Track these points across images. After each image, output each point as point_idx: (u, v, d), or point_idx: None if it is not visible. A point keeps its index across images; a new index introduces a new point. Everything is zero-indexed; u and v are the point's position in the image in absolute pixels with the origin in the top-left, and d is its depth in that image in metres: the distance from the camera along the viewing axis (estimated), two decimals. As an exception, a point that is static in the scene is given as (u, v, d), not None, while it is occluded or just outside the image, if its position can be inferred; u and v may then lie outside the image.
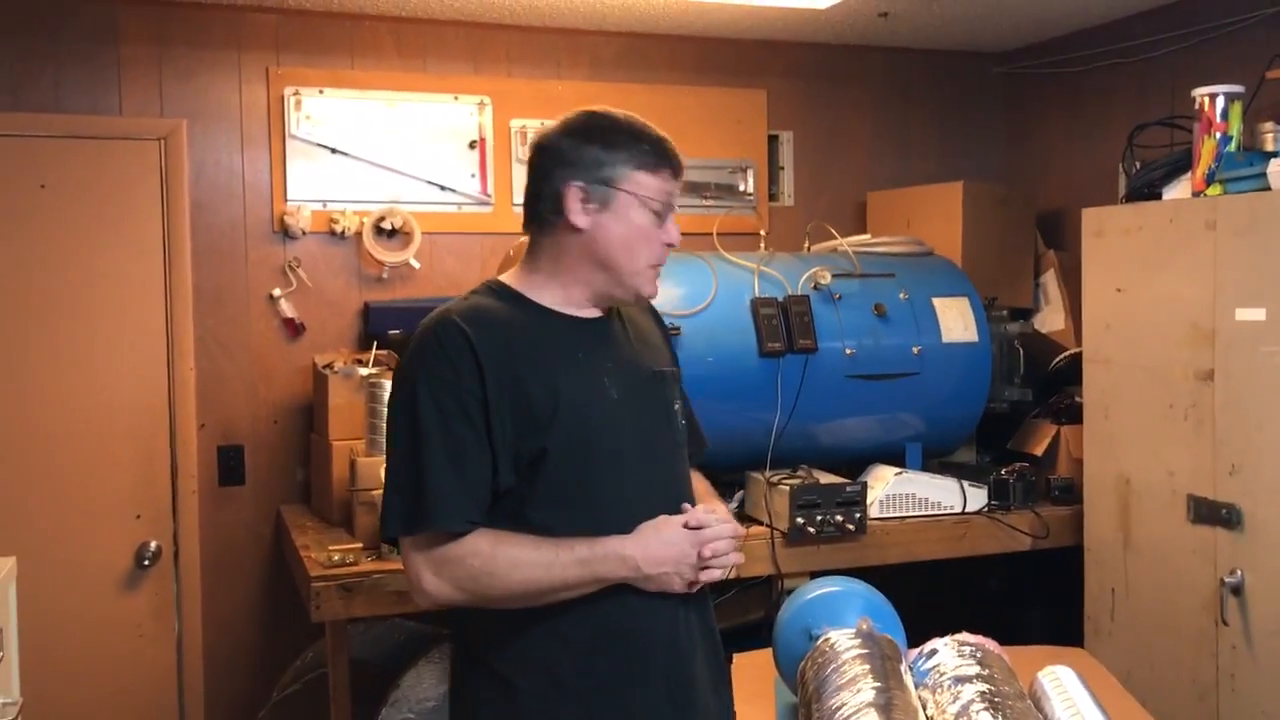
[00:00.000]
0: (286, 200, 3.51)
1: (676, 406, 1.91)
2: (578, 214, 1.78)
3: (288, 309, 3.51)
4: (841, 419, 3.27)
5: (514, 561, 1.70)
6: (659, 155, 1.80)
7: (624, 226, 1.79)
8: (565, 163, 1.79)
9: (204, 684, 3.44)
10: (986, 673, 1.79)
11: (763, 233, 3.73)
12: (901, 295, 3.35)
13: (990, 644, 1.96)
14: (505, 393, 1.72)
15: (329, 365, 3.30)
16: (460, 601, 1.74)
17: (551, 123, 1.85)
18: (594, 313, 1.86)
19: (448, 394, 1.71)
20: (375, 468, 2.92)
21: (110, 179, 3.32)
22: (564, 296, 1.84)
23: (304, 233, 3.51)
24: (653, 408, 1.87)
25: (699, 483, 2.02)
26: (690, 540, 1.75)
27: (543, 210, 1.81)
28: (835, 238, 3.53)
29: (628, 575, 1.73)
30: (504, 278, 1.88)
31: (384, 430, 3.04)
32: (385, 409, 3.03)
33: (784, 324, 3.13)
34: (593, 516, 1.76)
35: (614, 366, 1.83)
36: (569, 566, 1.70)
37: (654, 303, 2.03)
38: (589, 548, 1.72)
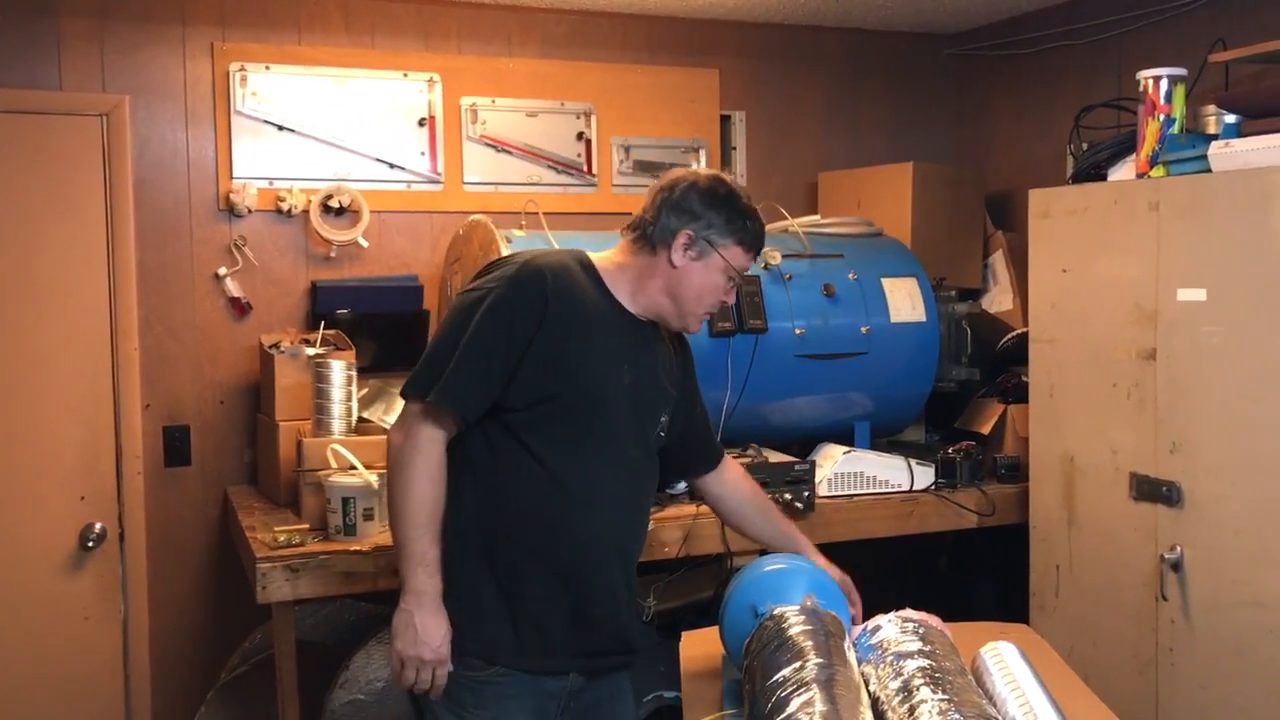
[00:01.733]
0: (232, 178, 3.46)
1: (662, 419, 2.22)
2: (678, 254, 2.12)
3: (234, 288, 3.47)
4: (791, 398, 3.29)
5: (419, 493, 2.03)
6: (755, 240, 2.16)
7: (704, 279, 2.14)
8: (691, 213, 2.12)
9: (150, 666, 3.41)
10: (929, 648, 1.80)
11: (714, 213, 3.72)
12: (851, 275, 3.37)
13: (933, 620, 1.98)
14: (551, 338, 2.04)
15: (276, 345, 3.27)
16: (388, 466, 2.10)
17: (692, 169, 2.22)
18: (643, 317, 2.19)
19: (508, 318, 2.03)
20: (322, 448, 2.90)
21: (51, 155, 3.25)
22: (630, 297, 2.17)
23: (250, 211, 3.46)
24: (648, 408, 2.19)
25: (760, 500, 2.49)
26: (424, 659, 2.04)
27: (654, 235, 2.13)
28: (786, 218, 3.53)
29: (406, 595, 2.06)
30: (595, 257, 2.19)
31: (331, 410, 3.03)
32: (332, 389, 3.03)
33: (735, 304, 3.13)
34: (570, 461, 2.07)
35: (636, 360, 2.16)
36: (413, 540, 2.04)
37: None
38: (428, 557, 2.04)
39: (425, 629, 2.03)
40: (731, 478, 2.47)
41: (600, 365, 2.09)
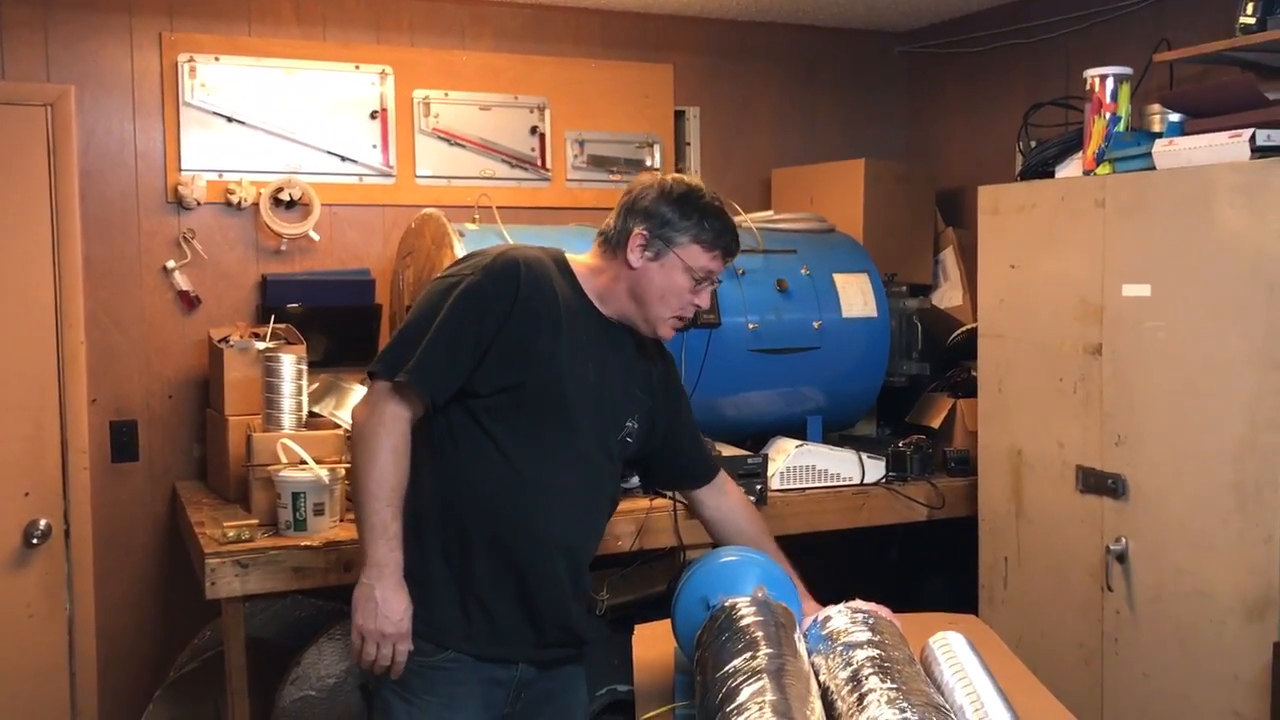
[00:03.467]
0: (181, 170, 3.42)
1: (628, 424, 2.23)
2: (635, 254, 2.13)
3: (182, 281, 3.43)
4: (744, 392, 3.31)
5: (380, 467, 2.04)
6: (716, 238, 2.14)
7: (664, 280, 2.13)
8: (645, 213, 2.13)
9: (97, 664, 3.36)
10: (878, 639, 1.82)
11: (668, 208, 3.73)
12: (803, 271, 3.39)
13: (883, 611, 1.99)
14: (520, 328, 2.06)
15: (225, 339, 3.24)
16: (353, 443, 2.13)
17: (655, 176, 2.21)
18: (616, 321, 2.20)
19: (480, 305, 2.05)
20: (272, 443, 2.87)
21: (-6, 145, 3.20)
22: (601, 300, 2.18)
23: (199, 203, 3.42)
24: (611, 409, 2.20)
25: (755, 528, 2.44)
26: (384, 634, 2.04)
27: (614, 238, 2.16)
28: (739, 214, 3.55)
29: (368, 568, 2.05)
30: (571, 257, 2.21)
31: (281, 405, 3.01)
32: (283, 383, 3.00)
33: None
34: (530, 451, 2.09)
35: (604, 362, 2.17)
36: (375, 513, 2.04)
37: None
38: (390, 530, 2.05)
39: (386, 602, 2.03)
40: (730, 504, 2.46)
41: (565, 359, 2.10)
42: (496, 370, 2.06)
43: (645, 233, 2.12)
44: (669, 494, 3.07)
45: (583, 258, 2.23)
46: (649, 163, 4.01)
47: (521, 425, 2.09)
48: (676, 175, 2.21)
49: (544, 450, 2.11)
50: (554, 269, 2.16)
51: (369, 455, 2.05)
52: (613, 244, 2.17)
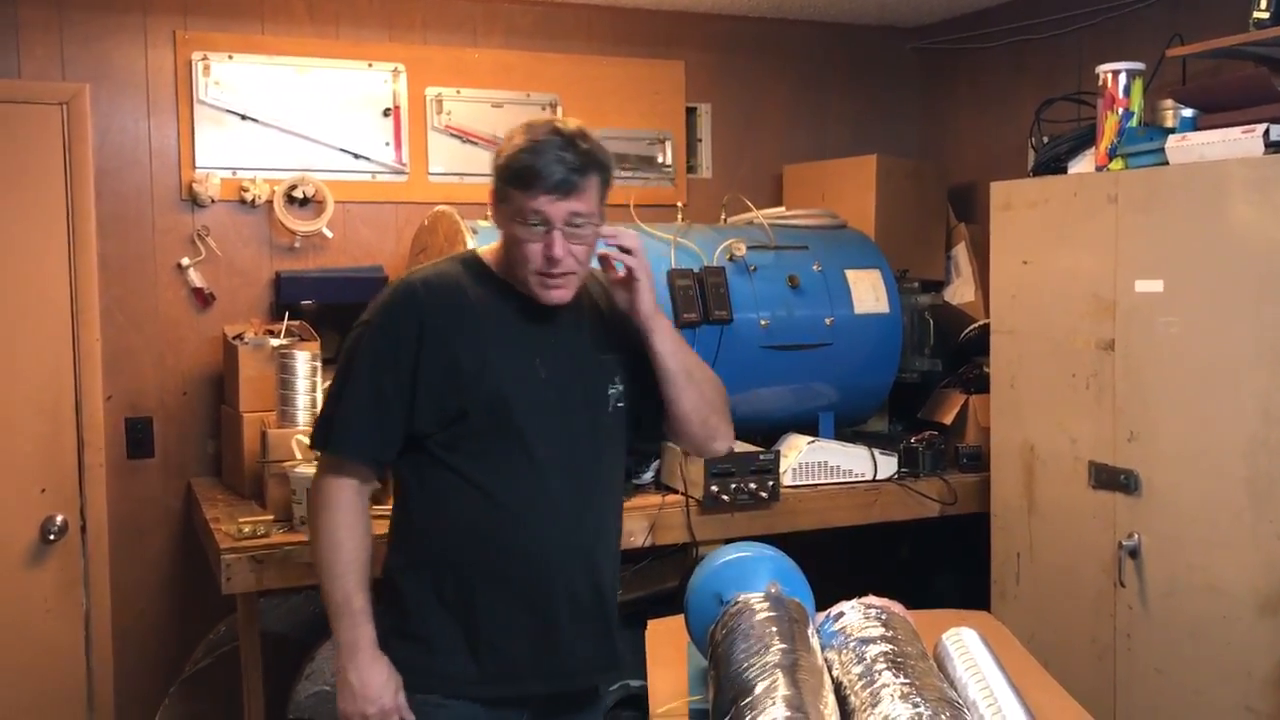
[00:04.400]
0: (195, 167, 3.44)
1: (610, 391, 2.06)
2: (494, 215, 1.99)
3: (197, 278, 3.44)
4: (756, 389, 3.31)
5: (333, 542, 1.96)
6: (530, 177, 1.90)
7: (510, 236, 1.97)
8: (493, 170, 1.98)
9: (113, 659, 3.38)
10: (891, 634, 1.83)
11: (680, 205, 3.74)
12: (815, 267, 3.39)
13: (896, 606, 2.00)
14: (440, 355, 1.94)
15: (239, 336, 3.25)
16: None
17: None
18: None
19: (388, 347, 1.96)
20: (286, 439, 2.89)
21: (10, 145, 3.21)
22: (517, 282, 2.00)
23: (213, 201, 3.44)
24: (582, 391, 2.04)
25: None
26: (367, 715, 1.94)
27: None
28: (752, 210, 3.56)
29: (340, 651, 1.97)
30: (482, 250, 2.07)
31: (295, 401, 3.03)
32: (297, 380, 3.02)
33: (700, 295, 3.16)
34: (500, 477, 1.98)
35: (550, 348, 2.01)
36: (335, 590, 1.95)
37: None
38: (352, 607, 1.95)
39: (364, 683, 1.94)
40: None
41: (503, 368, 1.97)
42: (433, 407, 1.95)
43: (492, 190, 1.99)
44: (680, 490, 3.08)
45: (495, 244, 2.06)
46: (660, 159, 4.01)
47: (483, 450, 1.97)
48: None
49: (514, 467, 1.98)
50: (463, 275, 2.02)
51: (316, 536, 1.99)
52: (496, 224, 2.03)
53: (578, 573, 2.02)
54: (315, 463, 2.09)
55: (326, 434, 1.99)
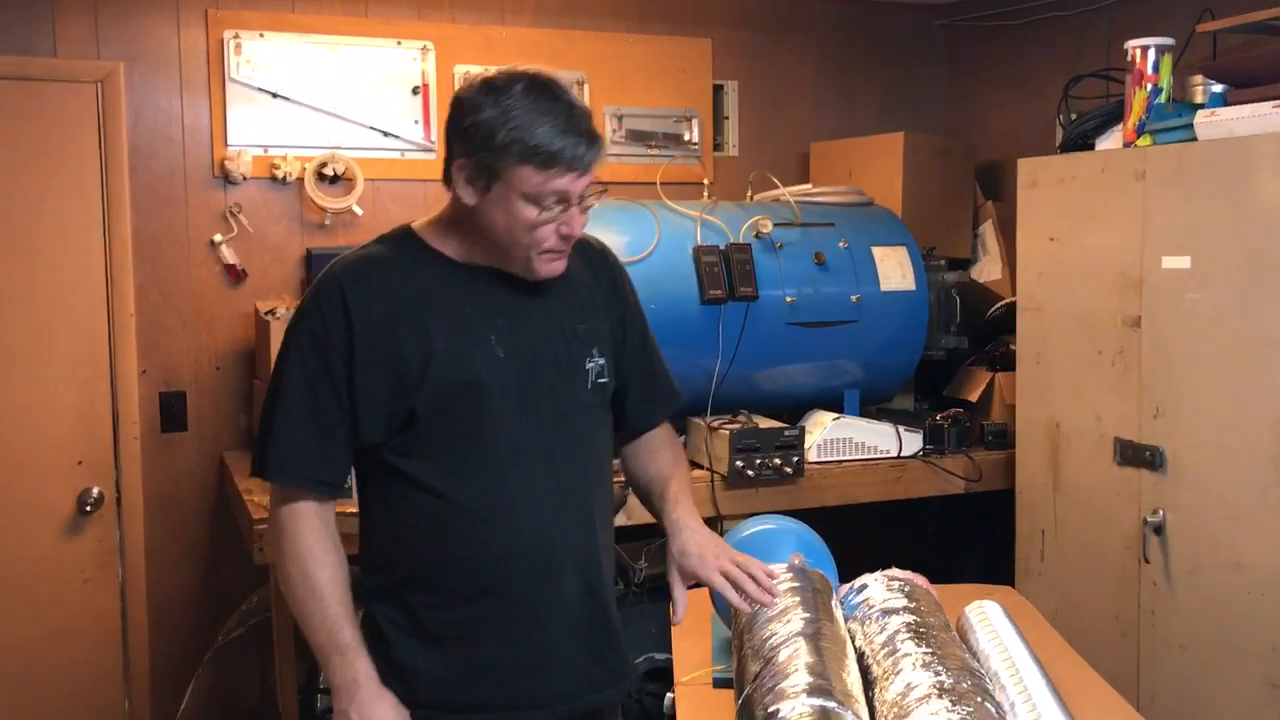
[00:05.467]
0: (227, 145, 3.48)
1: (589, 365, 1.83)
2: (464, 190, 1.70)
3: (229, 255, 3.49)
4: (781, 365, 3.33)
5: (302, 574, 1.71)
6: (549, 153, 1.65)
7: (505, 215, 1.69)
8: (461, 135, 1.69)
9: (148, 628, 3.45)
10: (913, 605, 1.85)
11: (706, 182, 3.75)
12: (841, 244, 3.40)
13: (919, 579, 2.02)
14: (376, 352, 1.70)
15: (271, 311, 3.29)
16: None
17: (478, 73, 1.75)
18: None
19: (314, 350, 1.71)
20: (319, 413, 2.92)
21: (46, 123, 3.26)
22: (466, 250, 1.77)
23: (245, 178, 3.48)
24: (553, 367, 1.79)
25: (667, 461, 2.00)
26: None
27: (445, 174, 1.74)
28: (778, 187, 3.56)
29: (337, 694, 1.70)
30: (417, 223, 1.82)
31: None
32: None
33: (725, 272, 3.17)
34: (459, 477, 1.74)
35: (509, 322, 1.77)
36: (317, 629, 1.70)
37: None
38: (338, 641, 1.69)
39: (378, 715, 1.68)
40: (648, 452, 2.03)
41: (452, 354, 1.71)
42: (379, 413, 1.71)
43: (466, 162, 1.68)
44: (705, 466, 3.10)
45: (434, 215, 1.81)
46: (687, 137, 4.02)
47: (436, 451, 1.73)
48: (495, 73, 1.72)
49: (474, 464, 1.73)
50: (395, 255, 1.76)
51: (282, 570, 1.74)
52: (447, 180, 1.73)
53: (564, 574, 1.78)
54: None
55: (263, 460, 1.73)
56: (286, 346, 1.74)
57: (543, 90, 1.69)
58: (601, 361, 1.85)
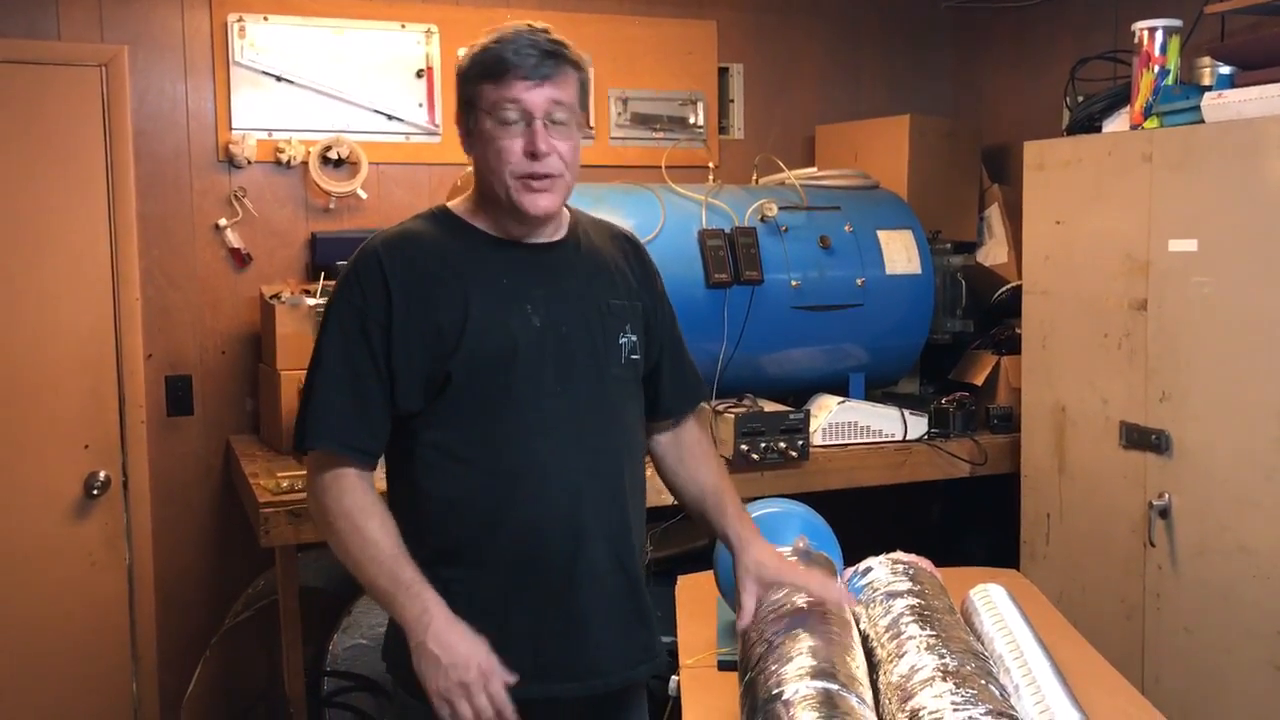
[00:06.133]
0: (231, 129, 3.47)
1: (622, 341, 1.87)
2: (464, 141, 1.81)
3: (234, 239, 3.49)
4: (787, 349, 3.32)
5: (352, 527, 1.72)
6: (501, 66, 1.72)
7: (481, 142, 1.77)
8: (457, 95, 1.82)
9: (155, 612, 3.46)
10: (918, 588, 1.85)
11: (712, 165, 3.74)
12: (847, 228, 3.39)
13: (923, 562, 2.02)
14: (413, 318, 1.75)
15: (276, 295, 3.30)
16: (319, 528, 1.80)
17: None
18: (539, 238, 1.85)
19: (353, 320, 1.76)
20: (324, 397, 2.92)
21: (50, 106, 3.26)
22: (498, 225, 1.83)
23: (249, 162, 3.48)
24: (587, 339, 1.83)
25: (712, 473, 2.03)
26: (466, 683, 1.65)
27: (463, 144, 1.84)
28: (783, 171, 3.55)
29: (410, 630, 1.68)
30: (452, 203, 1.89)
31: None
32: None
33: (731, 255, 3.17)
34: (495, 444, 1.76)
35: (545, 294, 1.81)
36: (377, 574, 1.70)
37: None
38: (407, 577, 1.69)
39: (447, 648, 1.65)
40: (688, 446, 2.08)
41: (488, 321, 1.76)
42: (416, 380, 1.75)
43: (460, 111, 1.81)
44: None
45: (467, 194, 1.89)
46: (692, 120, 4.01)
47: (469, 418, 1.76)
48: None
49: (507, 430, 1.76)
50: (432, 229, 1.83)
51: (330, 527, 1.74)
52: (463, 146, 1.84)
53: (595, 544, 1.80)
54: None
55: (304, 430, 1.76)
56: (326, 318, 1.79)
57: (519, 26, 1.77)
58: (634, 338, 1.89)
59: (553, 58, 1.74)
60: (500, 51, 1.73)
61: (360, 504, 1.73)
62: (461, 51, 1.85)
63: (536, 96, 1.73)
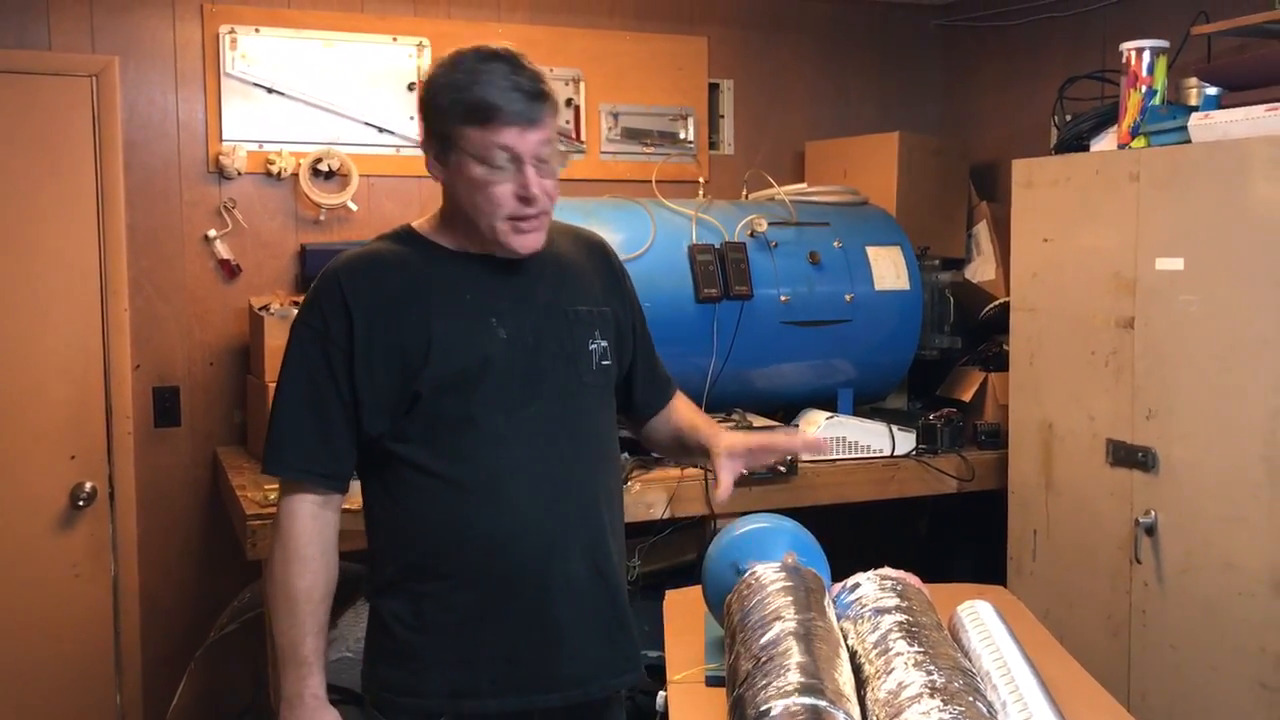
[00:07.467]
0: (222, 140, 3.47)
1: (593, 347, 1.87)
2: (434, 168, 1.78)
3: (223, 250, 3.48)
4: (776, 364, 3.33)
5: (282, 577, 1.75)
6: (488, 110, 1.69)
7: (465, 183, 1.74)
8: (422, 111, 1.78)
9: (140, 624, 3.44)
10: (906, 604, 1.85)
11: (702, 180, 3.75)
12: (836, 244, 3.40)
13: (911, 578, 2.02)
14: (377, 341, 1.74)
15: (265, 307, 3.29)
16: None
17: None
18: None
19: (315, 345, 1.76)
20: (312, 409, 2.92)
21: (40, 116, 3.26)
22: (463, 240, 1.82)
23: (240, 173, 3.48)
24: (556, 348, 1.83)
25: (687, 411, 2.15)
26: None
27: (427, 163, 1.81)
28: (773, 186, 3.57)
29: (283, 702, 1.75)
30: (416, 222, 1.89)
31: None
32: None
33: (720, 271, 3.18)
34: (461, 459, 1.77)
35: (510, 305, 1.81)
36: (281, 634, 1.75)
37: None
38: (300, 654, 1.74)
39: None
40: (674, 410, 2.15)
41: (453, 338, 1.75)
42: (383, 403, 1.75)
43: (428, 137, 1.76)
44: (698, 464, 3.10)
45: (432, 212, 1.87)
46: (682, 135, 4.02)
47: (438, 435, 1.76)
48: (450, 52, 1.76)
49: (475, 444, 1.76)
50: (394, 250, 1.81)
51: (268, 572, 1.79)
52: (428, 168, 1.80)
53: (570, 554, 1.80)
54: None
55: (266, 457, 1.79)
56: (289, 344, 1.79)
57: (491, 55, 1.73)
58: (604, 344, 1.89)
59: (539, 95, 1.73)
60: (485, 95, 1.69)
61: (300, 554, 1.75)
62: (427, 71, 1.79)
63: (527, 142, 1.72)
